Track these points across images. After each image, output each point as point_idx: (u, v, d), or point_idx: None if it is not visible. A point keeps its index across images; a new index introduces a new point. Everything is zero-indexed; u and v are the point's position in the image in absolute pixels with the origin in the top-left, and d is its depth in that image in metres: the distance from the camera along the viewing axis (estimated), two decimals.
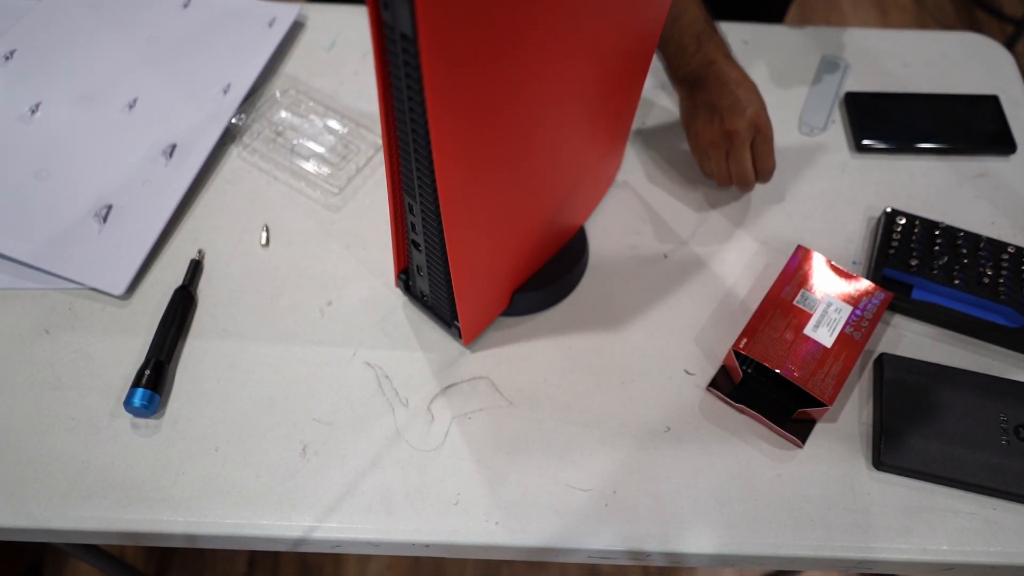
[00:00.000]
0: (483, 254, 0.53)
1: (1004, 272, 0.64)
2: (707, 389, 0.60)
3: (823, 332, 0.59)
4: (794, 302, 0.61)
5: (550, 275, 0.63)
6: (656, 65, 0.77)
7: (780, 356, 0.58)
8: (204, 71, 0.75)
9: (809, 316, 0.60)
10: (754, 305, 0.64)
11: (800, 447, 0.58)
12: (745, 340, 0.58)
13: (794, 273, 0.62)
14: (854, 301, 0.61)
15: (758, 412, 0.59)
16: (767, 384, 0.60)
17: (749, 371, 0.60)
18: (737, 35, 0.82)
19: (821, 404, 0.56)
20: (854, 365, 0.58)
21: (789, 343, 0.58)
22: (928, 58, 0.82)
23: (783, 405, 0.59)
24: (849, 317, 0.60)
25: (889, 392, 0.59)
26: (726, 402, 0.60)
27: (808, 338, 0.59)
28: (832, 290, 0.61)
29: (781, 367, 0.57)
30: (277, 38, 0.78)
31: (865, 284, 0.62)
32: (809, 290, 0.61)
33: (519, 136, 0.47)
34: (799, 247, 0.64)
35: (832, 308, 0.60)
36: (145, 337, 0.61)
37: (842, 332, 0.59)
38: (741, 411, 0.60)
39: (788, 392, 0.59)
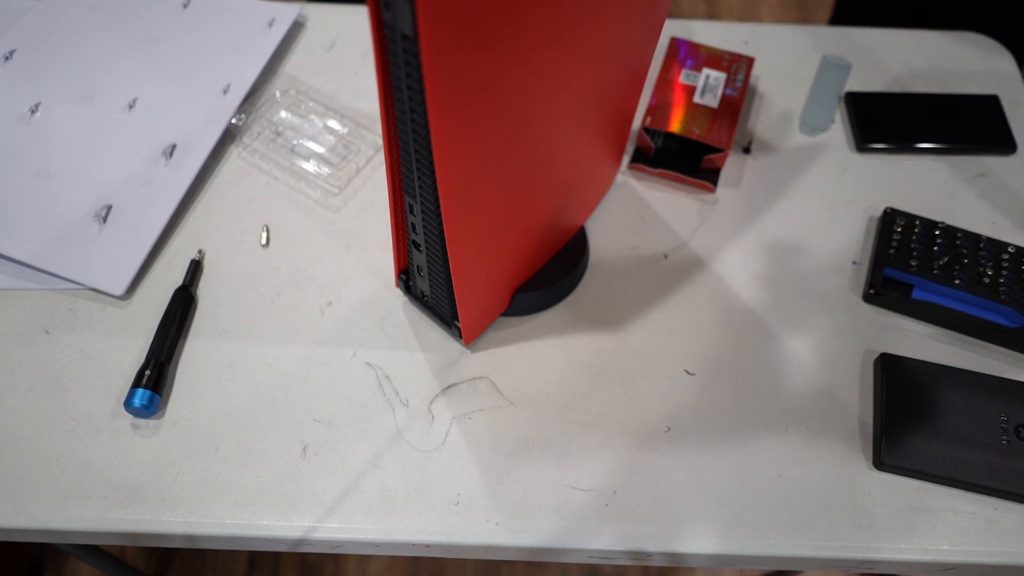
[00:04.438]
0: (483, 254, 0.53)
1: (1004, 272, 0.64)
2: (630, 166, 0.72)
3: (709, 97, 0.71)
4: (680, 80, 0.73)
5: (550, 275, 0.63)
6: (655, 65, 0.78)
7: (680, 122, 0.70)
8: (204, 71, 0.75)
9: (694, 88, 0.72)
10: (755, 304, 0.64)
11: (713, 191, 0.71)
12: (650, 118, 0.70)
13: (674, 59, 0.74)
14: (726, 68, 0.73)
15: (674, 170, 0.71)
16: (676, 151, 0.72)
17: (659, 145, 0.72)
18: (737, 35, 0.82)
19: (720, 150, 0.68)
20: (739, 117, 0.71)
21: (684, 112, 0.70)
22: (928, 58, 0.82)
23: (691, 161, 0.71)
24: (725, 82, 0.72)
25: (889, 392, 0.59)
26: (647, 171, 0.72)
27: (698, 104, 0.71)
28: (708, 64, 0.74)
29: (683, 130, 0.69)
30: (277, 38, 0.78)
31: (731, 54, 0.74)
32: (690, 69, 0.73)
33: (520, 136, 0.47)
34: (672, 39, 0.76)
35: (711, 78, 0.72)
36: (145, 337, 0.61)
37: (723, 94, 0.72)
38: (661, 175, 0.71)
39: (694, 152, 0.71)
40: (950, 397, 0.59)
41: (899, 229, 0.67)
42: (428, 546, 0.54)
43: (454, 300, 0.55)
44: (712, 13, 1.91)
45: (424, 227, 0.51)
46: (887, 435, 0.57)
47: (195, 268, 0.64)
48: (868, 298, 0.65)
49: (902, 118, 0.76)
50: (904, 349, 0.63)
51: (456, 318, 0.58)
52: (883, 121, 0.75)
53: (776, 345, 0.63)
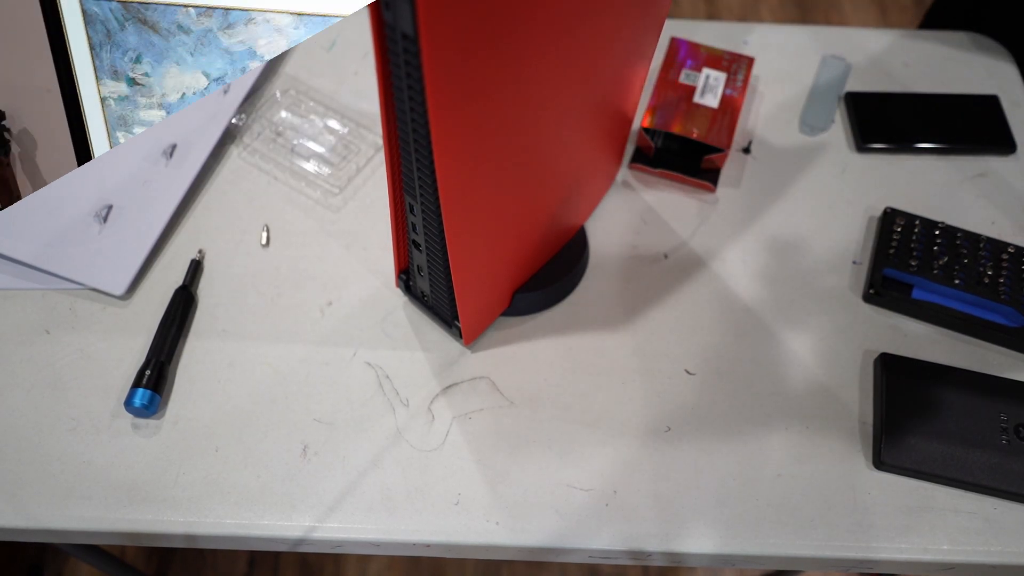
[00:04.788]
0: (484, 254, 0.53)
1: (1004, 272, 0.64)
2: (630, 166, 0.72)
3: (709, 97, 0.71)
4: (680, 80, 0.72)
5: (551, 275, 0.63)
6: (655, 65, 0.78)
7: (680, 122, 0.70)
8: None
9: (694, 88, 0.71)
10: (755, 304, 0.64)
11: (713, 191, 0.71)
12: (650, 118, 0.70)
13: (674, 59, 0.74)
14: (727, 68, 0.73)
15: (674, 170, 0.71)
16: (676, 151, 0.72)
17: (659, 145, 0.72)
18: (737, 35, 0.82)
19: (720, 150, 0.68)
20: (739, 117, 0.70)
21: (684, 112, 0.70)
22: (928, 58, 0.82)
23: (691, 161, 0.71)
24: (725, 82, 0.72)
25: (889, 392, 0.59)
26: (647, 171, 0.72)
27: (698, 104, 0.70)
28: (708, 64, 0.73)
29: (683, 130, 0.69)
30: None
31: (731, 54, 0.74)
32: (690, 69, 0.73)
33: (520, 136, 0.47)
34: (672, 39, 0.75)
35: (711, 78, 0.72)
36: (145, 337, 0.61)
37: (723, 94, 0.71)
38: (661, 175, 0.72)
39: (693, 152, 0.71)
40: (950, 397, 0.59)
41: (899, 229, 0.67)
42: (428, 546, 0.54)
43: (454, 300, 0.55)
44: (712, 13, 1.91)
45: (424, 227, 0.51)
46: (887, 435, 0.57)
47: (195, 268, 0.64)
48: (868, 298, 0.65)
49: (902, 118, 0.76)
50: (904, 349, 0.63)
51: (456, 318, 0.58)
52: (883, 121, 0.75)
53: (776, 345, 0.63)
